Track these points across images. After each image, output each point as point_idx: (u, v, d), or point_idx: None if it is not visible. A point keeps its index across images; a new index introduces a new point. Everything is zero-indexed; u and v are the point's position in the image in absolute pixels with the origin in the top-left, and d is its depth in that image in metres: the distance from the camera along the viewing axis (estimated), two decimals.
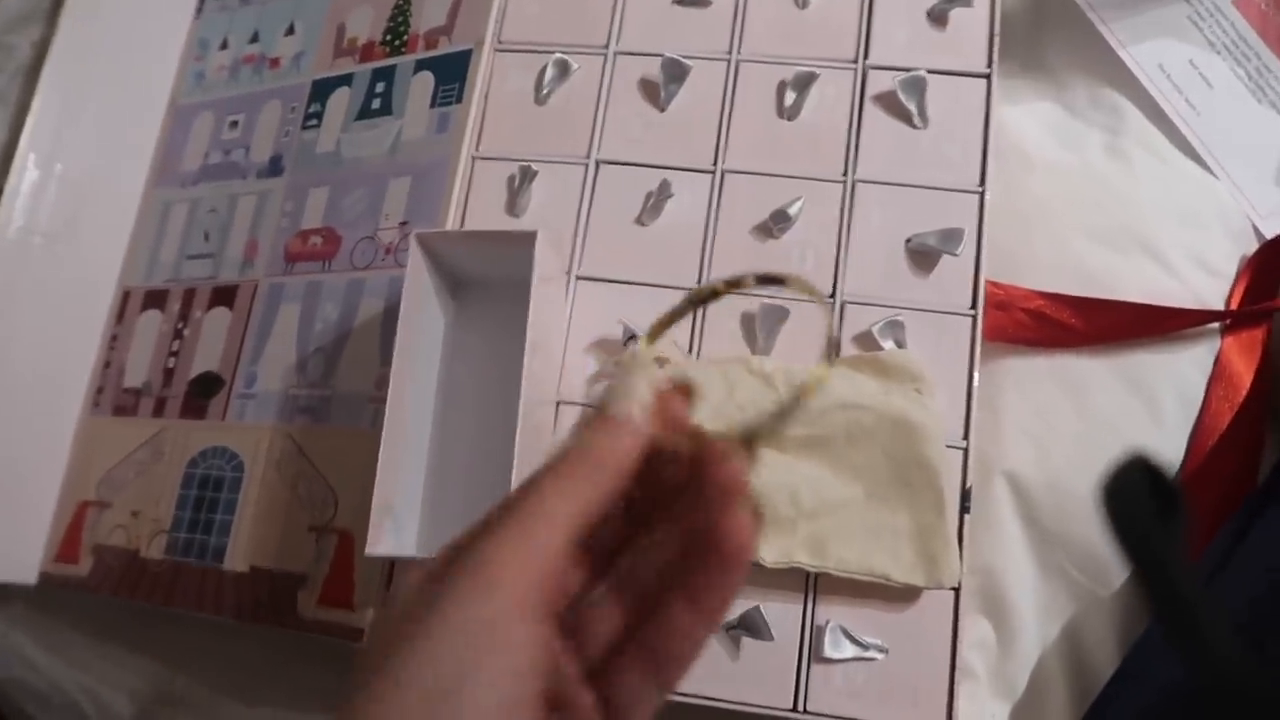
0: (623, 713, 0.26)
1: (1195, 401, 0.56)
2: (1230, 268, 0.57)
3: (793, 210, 0.50)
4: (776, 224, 0.51)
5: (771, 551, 0.46)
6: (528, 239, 0.46)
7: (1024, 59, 0.64)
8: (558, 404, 0.50)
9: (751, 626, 0.46)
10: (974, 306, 0.49)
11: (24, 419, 0.63)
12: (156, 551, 0.58)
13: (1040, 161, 0.60)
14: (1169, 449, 0.55)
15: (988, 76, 0.52)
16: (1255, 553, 0.52)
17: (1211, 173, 0.58)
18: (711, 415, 0.47)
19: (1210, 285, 0.57)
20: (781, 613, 0.46)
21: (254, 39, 0.68)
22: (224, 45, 0.69)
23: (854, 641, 0.46)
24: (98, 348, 0.65)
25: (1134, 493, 0.33)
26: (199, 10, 0.71)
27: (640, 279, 0.51)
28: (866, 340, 0.49)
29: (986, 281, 0.57)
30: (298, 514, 0.53)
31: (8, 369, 0.62)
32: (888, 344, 0.49)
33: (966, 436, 0.48)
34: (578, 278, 0.52)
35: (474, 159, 0.55)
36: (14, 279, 0.62)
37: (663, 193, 0.52)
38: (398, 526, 0.47)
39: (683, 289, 0.51)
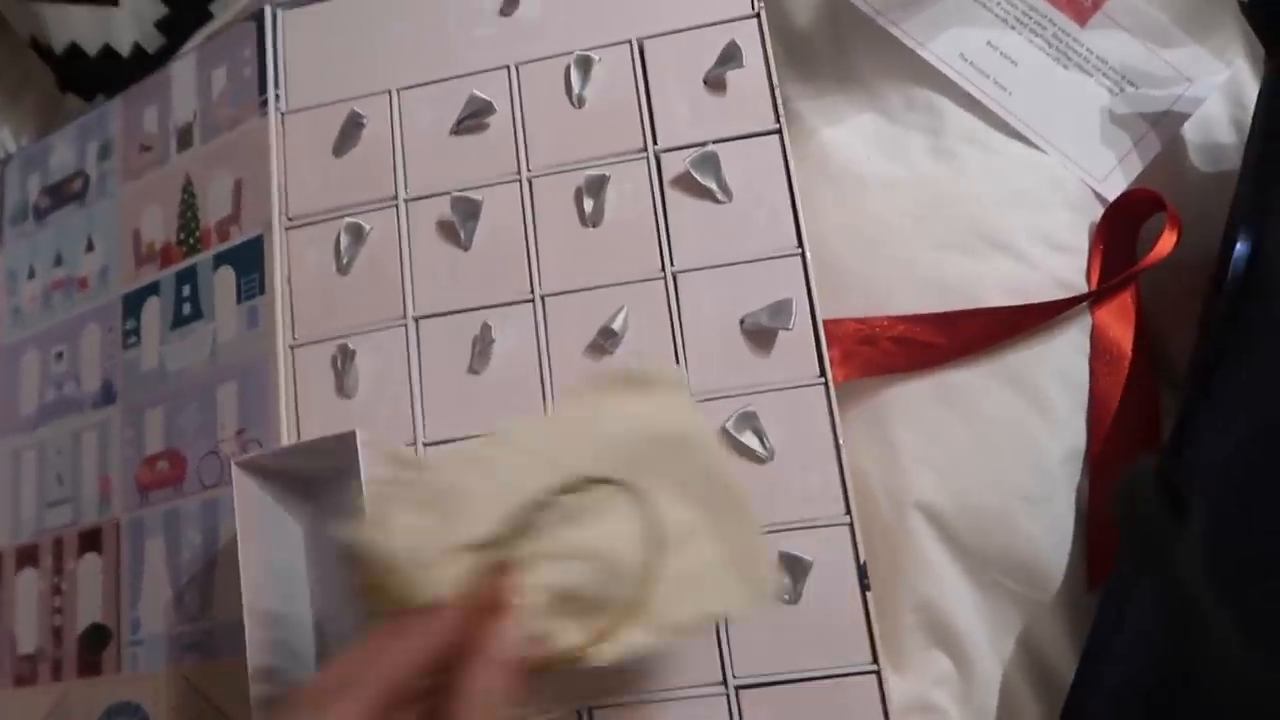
0: None
1: (1082, 384, 0.54)
2: (1081, 241, 0.56)
3: (618, 324, 0.48)
4: (607, 340, 0.49)
5: (602, 651, 0.38)
6: (348, 441, 0.44)
7: (835, 74, 0.63)
8: None
9: None
10: (822, 374, 0.47)
11: None
12: None
13: (872, 178, 0.59)
14: (1069, 437, 0.54)
15: (778, 132, 0.50)
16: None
17: (1039, 149, 0.57)
18: (490, 509, 0.37)
19: (1067, 263, 0.55)
20: None
21: (58, 261, 0.65)
22: (31, 274, 0.66)
23: None
24: None
25: (1143, 500, 0.33)
26: (0, 244, 0.68)
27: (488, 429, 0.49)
28: (722, 438, 0.47)
29: (848, 321, 0.55)
30: None
31: None
32: (744, 437, 0.47)
33: (849, 511, 0.46)
34: (425, 444, 0.50)
35: (292, 349, 0.53)
36: None
37: (486, 336, 0.50)
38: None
39: None
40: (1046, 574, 0.54)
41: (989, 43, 0.57)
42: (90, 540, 0.59)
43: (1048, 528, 0.54)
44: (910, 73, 0.60)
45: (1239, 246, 0.49)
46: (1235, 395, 0.48)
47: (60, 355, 0.63)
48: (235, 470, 0.45)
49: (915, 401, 0.55)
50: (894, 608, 0.55)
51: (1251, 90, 0.55)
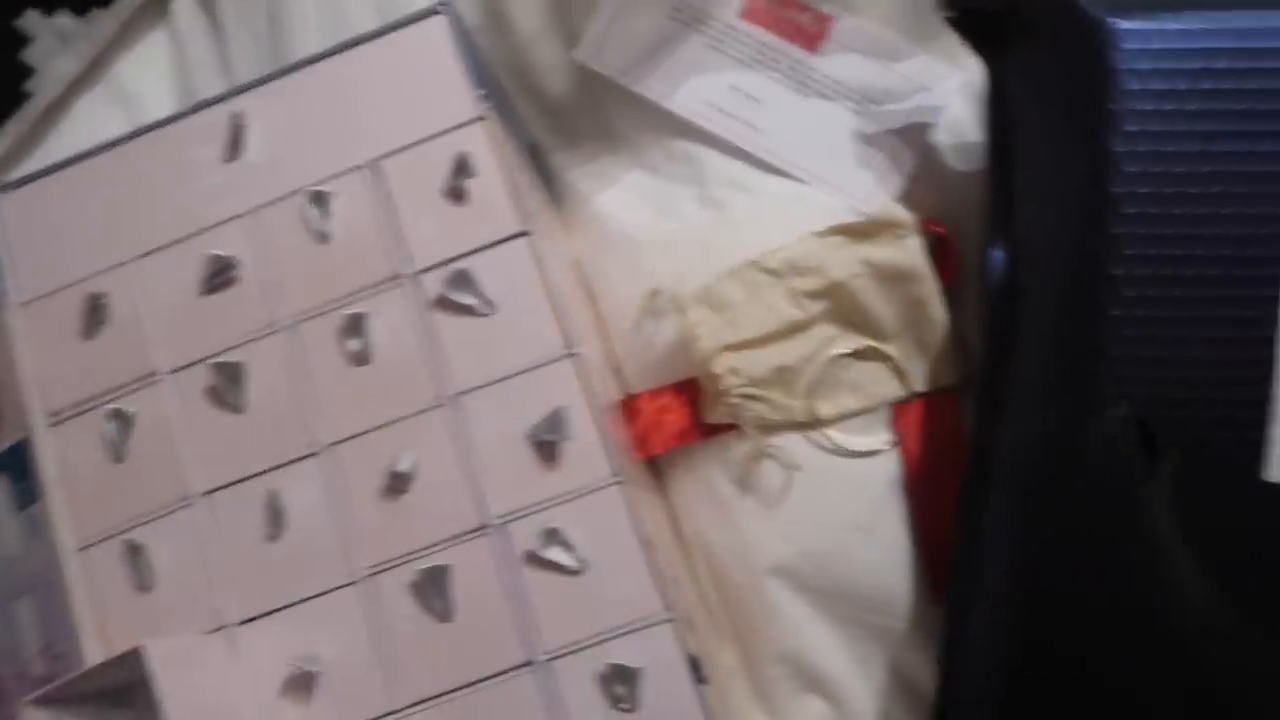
0: None
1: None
2: None
3: (404, 465, 0.47)
4: (400, 485, 0.47)
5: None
6: (133, 660, 0.42)
7: (598, 135, 0.62)
8: None
9: None
10: (615, 474, 0.46)
11: None
12: None
13: (645, 239, 0.58)
14: (883, 464, 0.55)
15: (523, 234, 0.49)
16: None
17: (801, 180, 0.57)
18: (745, 322, 0.53)
19: None
20: None
21: None
22: None
23: None
24: None
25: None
26: None
27: (299, 594, 0.48)
28: (532, 559, 0.46)
29: (643, 394, 0.55)
30: None
31: None
32: (551, 553, 0.46)
33: (669, 606, 0.45)
34: (239, 622, 0.48)
35: (79, 552, 0.50)
36: None
37: (275, 501, 0.48)
38: None
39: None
40: (894, 600, 0.54)
41: (732, 86, 0.57)
42: None
43: (884, 554, 0.55)
44: (667, 126, 0.59)
45: (994, 253, 0.50)
46: (1022, 401, 0.49)
47: None
48: (23, 713, 0.43)
49: (734, 457, 0.56)
50: (758, 661, 0.56)
51: None
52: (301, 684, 0.47)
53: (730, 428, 0.55)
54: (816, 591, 0.55)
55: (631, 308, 0.57)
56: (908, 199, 0.56)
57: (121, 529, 0.50)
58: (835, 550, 0.54)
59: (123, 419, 0.50)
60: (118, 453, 0.50)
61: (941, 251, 0.54)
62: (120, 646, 0.44)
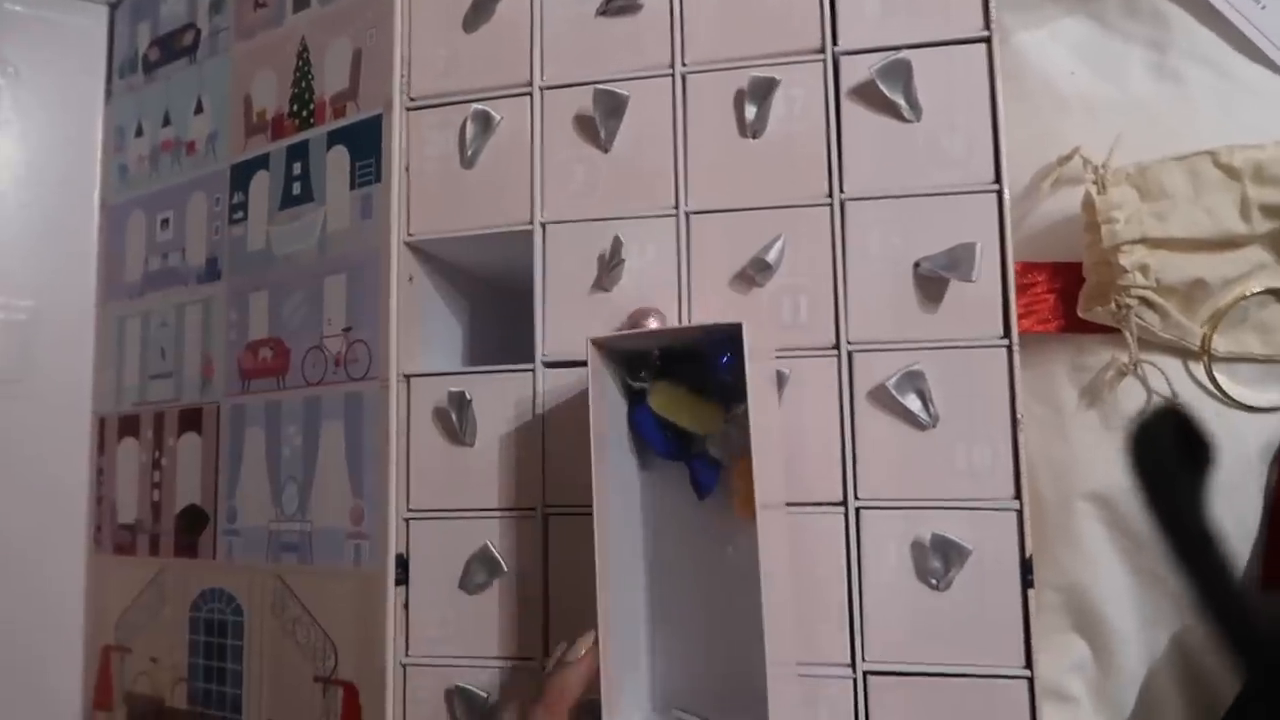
0: None
1: None
2: None
3: (772, 255, 0.42)
4: (758, 272, 0.43)
5: None
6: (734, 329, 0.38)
7: None
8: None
9: None
10: (1006, 335, 0.40)
11: (35, 561, 0.60)
12: (180, 700, 0.55)
13: (1075, 98, 0.51)
14: (1274, 427, 0.47)
15: (987, 40, 0.42)
16: None
17: None
18: (1177, 219, 0.45)
19: None
20: None
21: (166, 121, 0.61)
22: (139, 132, 0.62)
23: None
24: (87, 482, 0.62)
25: (1161, 440, 0.33)
26: (108, 95, 0.65)
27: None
28: (881, 396, 0.41)
29: (1042, 264, 0.49)
30: (301, 665, 0.49)
31: (5, 521, 0.59)
32: (906, 399, 0.41)
33: (1019, 496, 0.40)
34: (544, 364, 0.45)
35: (408, 246, 0.48)
36: None
37: (616, 252, 0.44)
38: (633, 688, 0.42)
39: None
40: None
41: None
42: (191, 419, 0.57)
43: (1230, 519, 0.47)
44: None
45: None
46: None
47: (166, 223, 0.60)
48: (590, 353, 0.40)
49: (1092, 364, 0.49)
50: (1036, 583, 0.50)
51: None
52: None
53: (1099, 329, 0.48)
54: (1128, 533, 0.49)
55: (1030, 167, 0.49)
56: None
57: (451, 232, 0.47)
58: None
59: (485, 123, 0.47)
60: (470, 157, 0.48)
61: None
62: None
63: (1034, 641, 0.40)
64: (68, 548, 0.62)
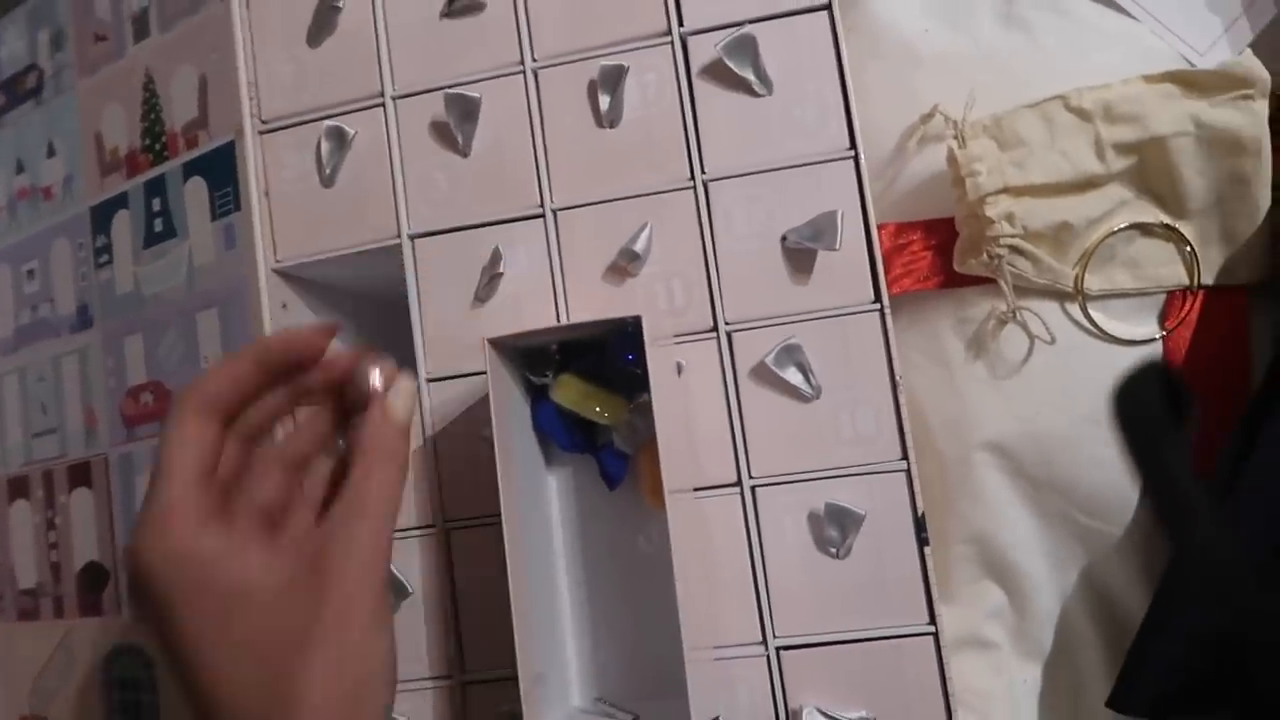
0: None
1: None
2: None
3: (640, 244, 0.42)
4: (629, 262, 0.42)
5: None
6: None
7: None
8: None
9: None
10: (877, 299, 0.41)
11: None
12: None
13: (931, 55, 0.51)
14: (1148, 358, 0.48)
15: (827, 8, 0.42)
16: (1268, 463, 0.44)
17: (1130, 15, 0.49)
18: (1035, 165, 0.45)
19: None
20: (749, 706, 0.41)
21: (20, 169, 0.59)
22: None
23: None
24: None
25: (1144, 396, 0.33)
26: None
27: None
28: (763, 373, 0.41)
29: (891, 225, 0.49)
30: None
31: None
32: (787, 373, 0.41)
33: (906, 455, 0.40)
34: (427, 380, 0.45)
35: (275, 272, 0.47)
36: None
37: (495, 263, 0.44)
38: (556, 690, 0.42)
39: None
40: (1118, 505, 0.49)
41: None
42: (80, 474, 0.55)
43: (1120, 454, 0.48)
44: None
45: None
46: None
47: (31, 273, 0.58)
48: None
49: (973, 315, 0.49)
50: (944, 537, 0.51)
51: None
52: None
53: (977, 281, 0.48)
54: (1029, 479, 0.49)
55: (894, 128, 0.50)
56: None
57: (321, 254, 0.46)
58: (1065, 439, 0.48)
59: (339, 139, 0.46)
60: (329, 176, 0.46)
61: None
62: None
63: (935, 596, 0.40)
64: None
